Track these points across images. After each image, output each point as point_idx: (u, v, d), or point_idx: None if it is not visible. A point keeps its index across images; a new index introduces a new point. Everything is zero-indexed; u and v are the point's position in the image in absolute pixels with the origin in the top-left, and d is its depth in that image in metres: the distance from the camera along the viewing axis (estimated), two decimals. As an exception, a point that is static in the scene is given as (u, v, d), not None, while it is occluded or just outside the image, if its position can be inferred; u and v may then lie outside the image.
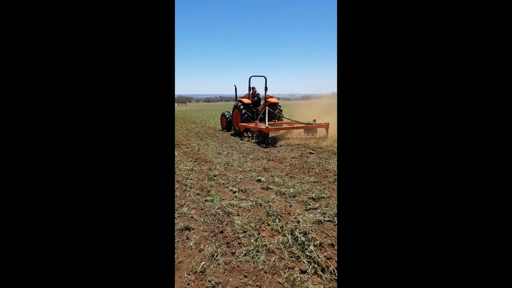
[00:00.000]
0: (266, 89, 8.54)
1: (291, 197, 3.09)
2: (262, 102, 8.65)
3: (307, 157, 5.12)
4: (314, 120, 7.33)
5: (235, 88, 9.49)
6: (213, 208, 2.80)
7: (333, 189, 3.33)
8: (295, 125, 7.35)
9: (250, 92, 8.88)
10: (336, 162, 4.58)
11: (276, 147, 6.30)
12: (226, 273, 1.78)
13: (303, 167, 4.41)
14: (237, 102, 8.62)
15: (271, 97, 8.53)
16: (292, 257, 1.93)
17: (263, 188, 3.42)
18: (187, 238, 2.26)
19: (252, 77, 8.82)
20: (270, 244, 2.08)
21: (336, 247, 2.02)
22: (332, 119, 7.45)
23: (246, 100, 8.38)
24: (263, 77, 8.63)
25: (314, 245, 2.04)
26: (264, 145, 6.40)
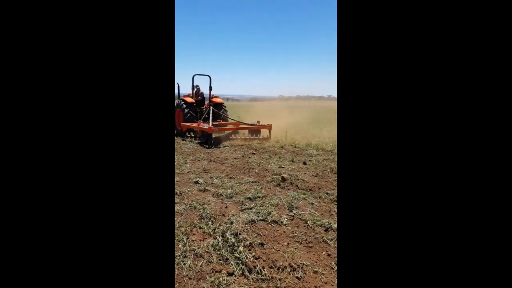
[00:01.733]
0: (210, 88, 8.39)
1: (228, 198, 3.05)
2: (206, 102, 8.46)
3: (249, 157, 5.16)
4: (258, 122, 7.46)
5: (178, 87, 9.11)
6: (142, 214, 2.58)
7: (270, 188, 3.40)
8: (240, 126, 7.38)
9: (194, 91, 8.61)
10: (275, 162, 4.71)
11: (220, 147, 6.21)
12: (146, 284, 1.64)
13: (244, 167, 4.41)
14: (180, 101, 8.27)
15: (216, 97, 8.41)
16: (220, 260, 1.87)
17: (200, 190, 3.31)
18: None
19: (195, 76, 8.57)
20: (199, 248, 1.99)
21: (265, 246, 2.04)
22: (276, 121, 7.70)
23: (189, 99, 8.09)
24: (207, 76, 8.45)
25: (244, 245, 2.02)
26: (207, 146, 6.26)
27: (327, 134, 8.33)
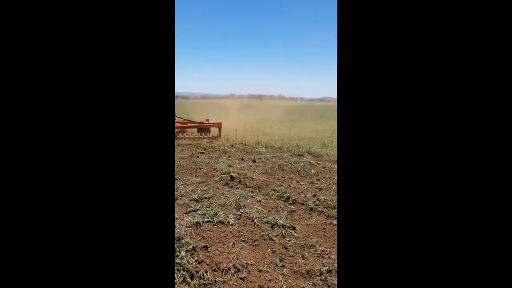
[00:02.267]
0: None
1: (172, 200, 2.87)
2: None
3: (197, 157, 4.98)
4: (208, 120, 7.27)
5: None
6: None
7: (218, 188, 3.31)
8: (188, 124, 7.10)
9: None
10: (225, 161, 4.63)
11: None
12: (66, 307, 1.41)
13: (191, 167, 4.23)
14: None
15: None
16: (159, 269, 1.73)
17: (141, 194, 3.06)
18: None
19: None
20: (135, 258, 1.81)
21: (209, 249, 1.96)
22: (227, 119, 7.61)
23: None
24: None
25: (186, 250, 1.91)
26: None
27: (277, 132, 8.55)
